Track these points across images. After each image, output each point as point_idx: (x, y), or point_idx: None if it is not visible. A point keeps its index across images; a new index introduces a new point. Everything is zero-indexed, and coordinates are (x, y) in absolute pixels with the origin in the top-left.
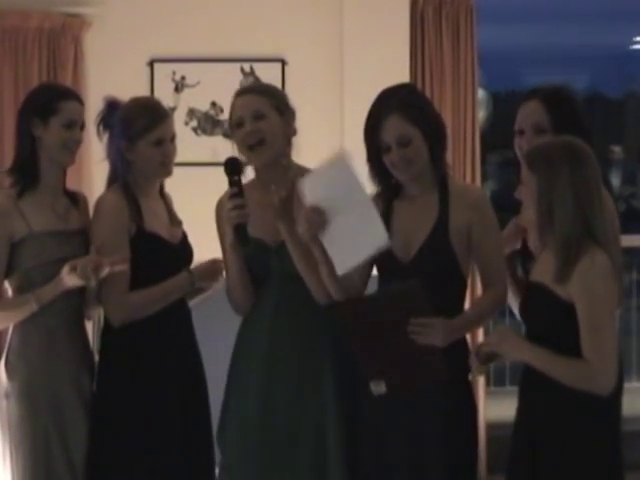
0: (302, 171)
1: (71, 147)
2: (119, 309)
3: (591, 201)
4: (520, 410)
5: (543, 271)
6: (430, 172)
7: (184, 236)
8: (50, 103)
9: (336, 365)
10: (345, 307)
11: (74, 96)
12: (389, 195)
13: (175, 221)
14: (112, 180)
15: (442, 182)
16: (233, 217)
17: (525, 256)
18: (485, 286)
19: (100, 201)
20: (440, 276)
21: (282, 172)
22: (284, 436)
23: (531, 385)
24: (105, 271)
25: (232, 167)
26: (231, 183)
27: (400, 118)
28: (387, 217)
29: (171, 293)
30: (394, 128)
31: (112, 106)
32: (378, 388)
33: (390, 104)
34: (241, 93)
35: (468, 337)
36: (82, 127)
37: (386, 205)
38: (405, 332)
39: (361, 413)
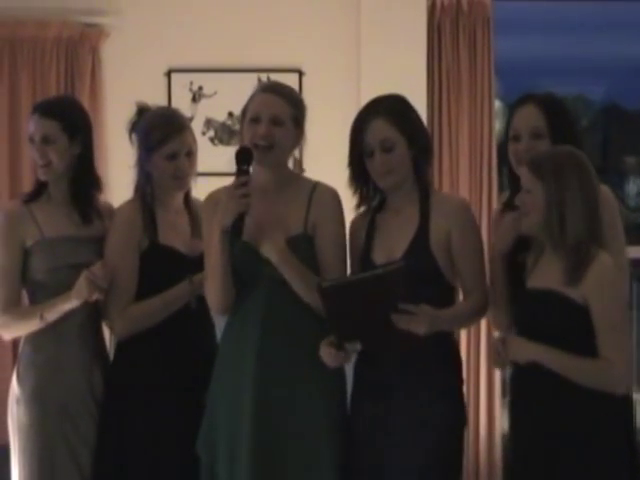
0: (301, 181)
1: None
2: (120, 321)
3: (596, 206)
4: (529, 418)
5: (547, 277)
6: (412, 183)
7: None
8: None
9: (327, 370)
10: (333, 289)
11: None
12: (372, 208)
13: (199, 233)
14: (136, 189)
15: (424, 193)
16: (239, 205)
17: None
18: (465, 294)
19: (116, 212)
20: (423, 283)
21: (279, 181)
22: (275, 443)
23: (540, 392)
24: (100, 290)
25: (244, 156)
26: (239, 171)
27: (386, 122)
28: (370, 231)
29: (171, 303)
30: (378, 131)
31: (142, 112)
32: (353, 346)
33: (377, 108)
34: (267, 89)
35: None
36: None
37: (370, 219)
38: (386, 314)
39: (352, 416)
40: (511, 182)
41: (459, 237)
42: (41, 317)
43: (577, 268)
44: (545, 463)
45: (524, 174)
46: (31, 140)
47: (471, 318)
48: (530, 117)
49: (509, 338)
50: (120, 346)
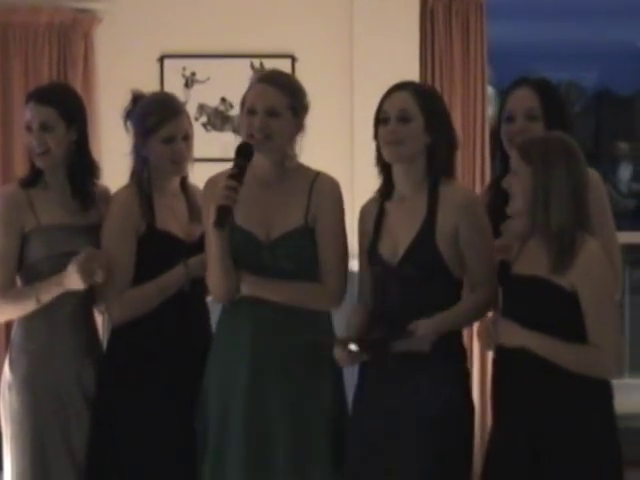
0: (303, 170)
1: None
2: (116, 306)
3: (584, 193)
4: (513, 401)
5: (533, 263)
6: (423, 172)
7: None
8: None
9: (323, 364)
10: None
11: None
12: (383, 195)
13: (196, 218)
14: (132, 175)
15: (434, 185)
16: (222, 197)
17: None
18: (472, 287)
19: (112, 197)
20: (428, 278)
21: (279, 171)
22: (267, 435)
23: (524, 375)
24: (99, 274)
25: (244, 152)
26: (236, 165)
27: (410, 96)
28: (379, 219)
29: (166, 288)
30: (400, 101)
31: (137, 100)
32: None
33: (407, 85)
34: (263, 80)
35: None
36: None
37: (379, 207)
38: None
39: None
40: (501, 162)
41: (467, 231)
42: (37, 299)
43: (563, 255)
44: (528, 446)
45: (514, 157)
46: (28, 128)
47: (478, 313)
48: (525, 98)
49: (501, 321)
50: (115, 331)
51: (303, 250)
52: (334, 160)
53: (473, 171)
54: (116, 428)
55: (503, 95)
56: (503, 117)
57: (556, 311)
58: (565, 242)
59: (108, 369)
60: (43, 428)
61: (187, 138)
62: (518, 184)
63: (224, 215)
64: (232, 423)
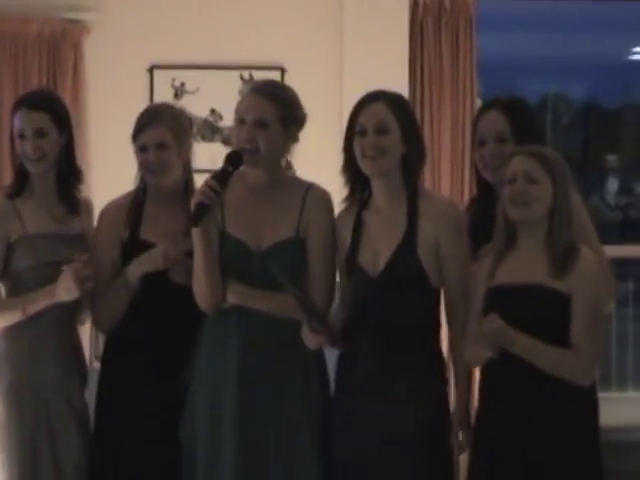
0: (295, 182)
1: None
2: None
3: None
4: (500, 403)
5: (528, 272)
6: (400, 182)
7: None
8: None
9: (312, 370)
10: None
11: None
12: (358, 204)
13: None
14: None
15: (412, 194)
16: (201, 194)
17: None
18: (448, 308)
19: (106, 205)
20: (408, 290)
21: (272, 181)
22: (259, 439)
23: (511, 377)
24: (89, 283)
25: (232, 159)
26: (222, 170)
27: (385, 107)
28: (357, 229)
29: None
30: (376, 113)
31: None
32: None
33: (380, 95)
34: (254, 90)
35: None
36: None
37: (355, 216)
38: None
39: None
40: (477, 185)
41: (447, 242)
42: (23, 310)
43: (565, 261)
44: (513, 449)
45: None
46: (21, 135)
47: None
48: (494, 121)
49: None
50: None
51: (293, 261)
52: (324, 171)
53: (461, 183)
54: (115, 430)
55: (475, 118)
56: (476, 141)
57: (546, 314)
58: (567, 247)
59: (106, 369)
60: (30, 436)
61: (162, 147)
62: (537, 192)
63: (201, 212)
64: (224, 438)
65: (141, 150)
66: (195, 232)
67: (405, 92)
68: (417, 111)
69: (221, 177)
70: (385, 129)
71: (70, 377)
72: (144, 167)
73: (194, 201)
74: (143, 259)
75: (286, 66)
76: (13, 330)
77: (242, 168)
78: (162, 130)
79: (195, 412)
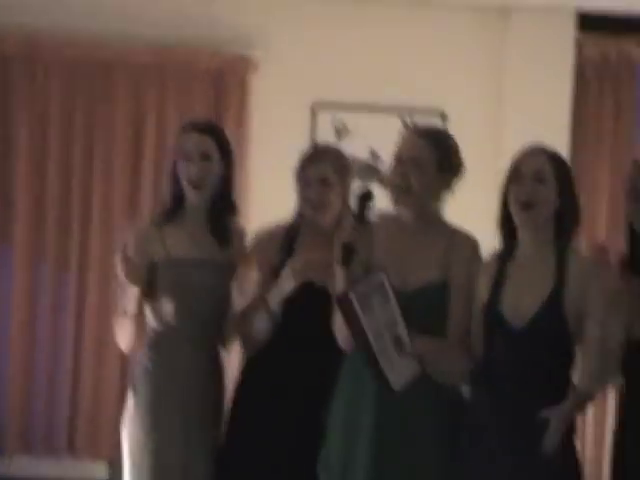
0: (443, 225)
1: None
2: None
3: None
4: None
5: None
6: (551, 236)
7: None
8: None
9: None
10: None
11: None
12: (504, 254)
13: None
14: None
15: (562, 250)
16: (346, 235)
17: None
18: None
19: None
20: (552, 346)
21: (421, 223)
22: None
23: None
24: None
25: (365, 198)
26: (356, 207)
27: (546, 160)
28: (499, 277)
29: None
30: (535, 163)
31: None
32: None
33: (541, 149)
34: (415, 131)
35: None
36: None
37: (498, 267)
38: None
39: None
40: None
41: (593, 300)
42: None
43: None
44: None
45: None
46: (187, 157)
47: None
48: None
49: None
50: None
51: (437, 304)
52: (482, 219)
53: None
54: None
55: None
56: (632, 196)
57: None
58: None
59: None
60: (165, 450)
61: (325, 183)
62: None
63: (349, 253)
64: (358, 457)
65: (304, 185)
66: (340, 270)
67: (565, 140)
68: (575, 165)
69: (359, 216)
70: (542, 178)
71: (210, 391)
72: (305, 202)
73: (341, 241)
74: (278, 283)
75: (446, 111)
76: (154, 344)
77: (395, 209)
78: (326, 167)
79: (332, 435)
